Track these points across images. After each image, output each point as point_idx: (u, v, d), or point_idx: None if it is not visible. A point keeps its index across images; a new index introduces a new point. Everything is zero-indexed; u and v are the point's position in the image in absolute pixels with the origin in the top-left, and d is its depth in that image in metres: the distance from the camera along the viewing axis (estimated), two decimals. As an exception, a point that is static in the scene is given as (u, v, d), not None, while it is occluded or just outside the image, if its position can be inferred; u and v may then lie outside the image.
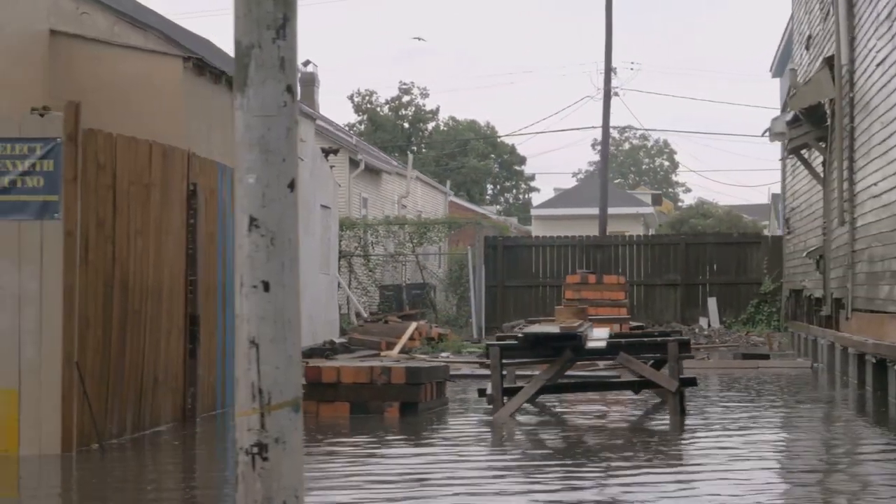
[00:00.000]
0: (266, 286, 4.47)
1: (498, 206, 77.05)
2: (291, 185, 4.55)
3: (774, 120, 24.42)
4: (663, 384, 13.71)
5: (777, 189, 72.47)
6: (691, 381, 14.26)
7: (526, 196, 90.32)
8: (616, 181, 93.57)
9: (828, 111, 19.92)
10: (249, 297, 4.65)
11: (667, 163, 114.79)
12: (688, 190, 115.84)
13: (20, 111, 12.57)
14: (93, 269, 11.22)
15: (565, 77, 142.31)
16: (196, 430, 12.86)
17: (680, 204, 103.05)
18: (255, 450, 4.51)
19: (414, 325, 26.41)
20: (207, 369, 13.87)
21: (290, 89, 4.52)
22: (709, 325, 30.81)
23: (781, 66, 38.04)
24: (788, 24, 32.85)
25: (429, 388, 14.33)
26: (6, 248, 10.81)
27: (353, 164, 34.65)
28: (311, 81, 40.60)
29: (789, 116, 21.73)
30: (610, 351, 14.05)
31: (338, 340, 25.04)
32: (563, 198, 65.86)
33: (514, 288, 31.66)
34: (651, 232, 58.18)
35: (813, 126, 20.53)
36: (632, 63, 65.79)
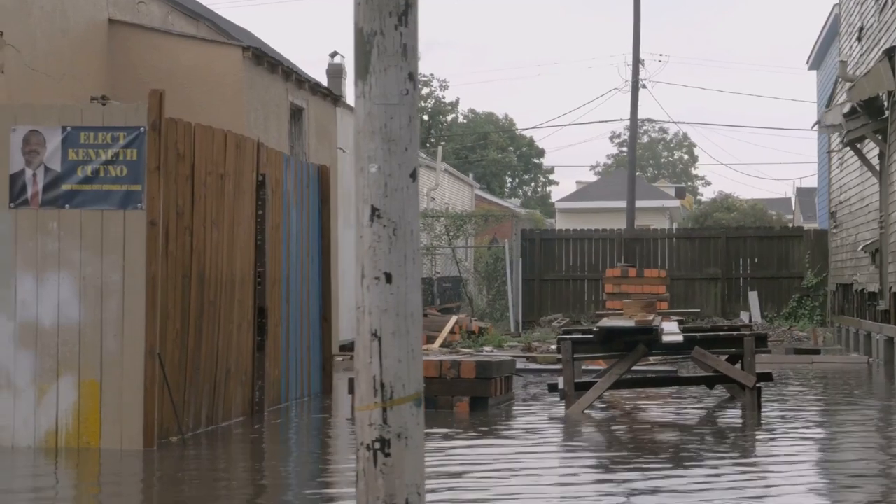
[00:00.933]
0: (388, 278, 4.30)
1: (518, 199, 76.78)
2: (413, 175, 4.37)
3: (825, 112, 24.14)
4: (740, 379, 13.49)
5: (805, 183, 72.32)
6: (767, 377, 14.04)
7: (545, 189, 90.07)
8: (636, 174, 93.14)
9: (886, 103, 19.67)
10: (371, 289, 4.48)
11: (686, 156, 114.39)
12: (707, 183, 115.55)
13: (83, 101, 12.43)
14: (172, 260, 11.04)
15: (591, 70, 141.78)
16: (267, 424, 12.68)
17: (699, 197, 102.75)
18: (377, 445, 4.34)
19: (454, 318, 26.18)
20: (273, 362, 13.68)
21: (411, 77, 4.35)
22: (750, 320, 30.54)
23: (819, 58, 37.75)
24: (830, 16, 32.57)
25: (498, 383, 14.12)
26: (89, 238, 10.64)
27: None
28: (339, 73, 40.33)
29: (846, 108, 21.46)
30: (686, 345, 13.81)
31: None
32: (586, 191, 65.57)
33: (551, 281, 31.41)
34: (675, 226, 57.92)
35: (870, 118, 20.28)
36: (660, 55, 65.37)
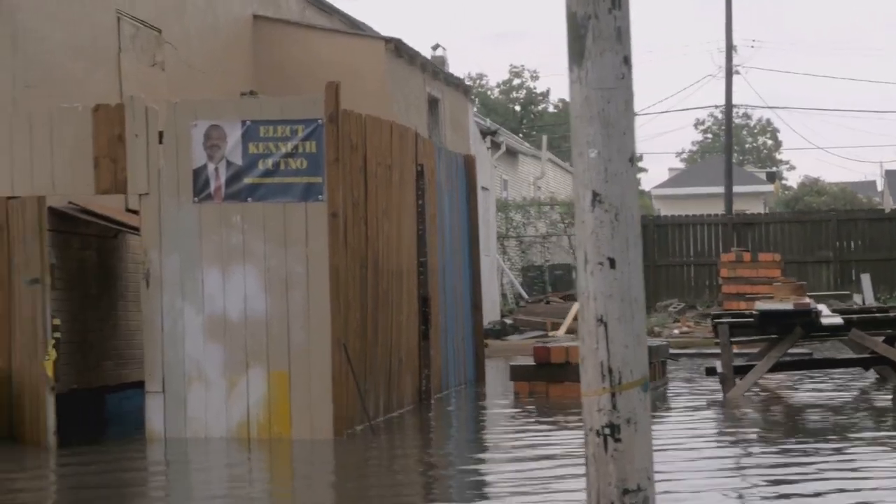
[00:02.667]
0: (612, 263, 4.30)
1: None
2: (632, 159, 4.37)
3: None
4: (902, 360, 13.40)
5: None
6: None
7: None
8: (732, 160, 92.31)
9: None
10: (595, 275, 4.48)
11: (770, 141, 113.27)
12: (792, 168, 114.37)
13: (234, 95, 12.58)
14: (350, 251, 11.13)
15: (685, 57, 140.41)
16: (439, 412, 12.78)
17: (784, 182, 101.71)
18: (607, 431, 4.35)
19: (577, 305, 26.14)
20: (436, 351, 13.78)
21: (626, 60, 4.34)
22: (863, 302, 30.22)
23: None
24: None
25: (655, 367, 14.12)
26: (272, 230, 10.76)
27: (495, 146, 34.52)
28: (441, 64, 40.31)
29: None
30: (843, 328, 13.74)
31: (505, 321, 24.96)
32: (680, 178, 65.24)
33: (664, 267, 31.29)
34: (766, 210, 57.42)
35: None
36: (752, 41, 64.77)
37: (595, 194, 4.32)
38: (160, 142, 10.86)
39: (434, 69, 18.33)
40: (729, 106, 43.57)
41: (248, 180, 10.79)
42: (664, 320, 27.05)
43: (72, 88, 11.96)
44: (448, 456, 10.40)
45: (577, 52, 4.34)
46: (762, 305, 13.74)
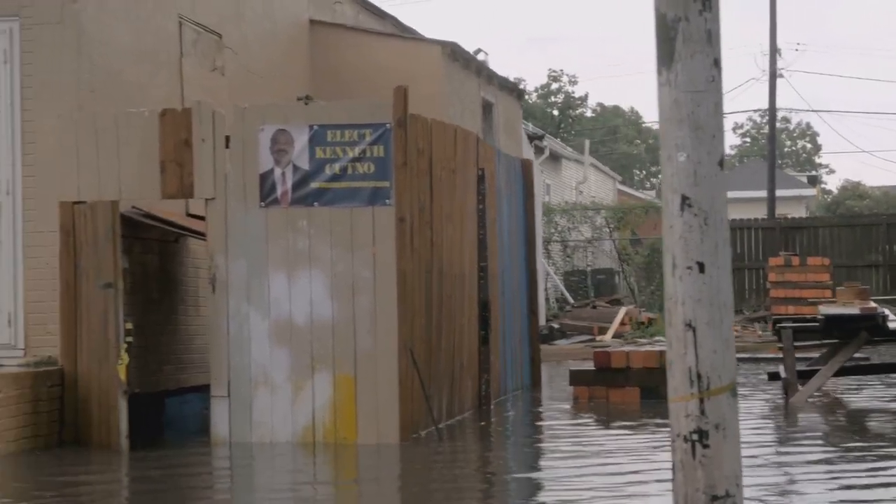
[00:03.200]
0: (701, 267, 4.23)
1: (653, 191, 76.31)
2: (721, 163, 4.31)
3: None
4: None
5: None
6: None
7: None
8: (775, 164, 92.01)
9: None
10: (684, 279, 4.42)
11: (809, 145, 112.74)
12: (831, 171, 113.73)
13: (290, 100, 12.56)
14: (416, 255, 11.08)
15: (727, 60, 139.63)
16: (500, 417, 12.73)
17: (824, 185, 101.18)
18: (695, 437, 4.28)
19: (624, 309, 26.13)
20: (495, 356, 13.72)
21: (716, 63, 4.28)
22: (916, 307, 30.01)
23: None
24: None
25: (717, 373, 13.99)
26: (339, 235, 10.72)
27: (539, 150, 34.46)
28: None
29: None
30: (910, 331, 13.61)
31: (552, 325, 24.89)
32: (722, 181, 64.85)
33: (713, 271, 31.12)
34: (807, 214, 57.12)
35: None
36: (797, 44, 64.65)
37: (684, 198, 4.28)
38: (227, 146, 10.85)
39: (488, 73, 18.29)
40: (772, 109, 43.38)
41: (314, 185, 10.76)
42: (711, 325, 26.90)
43: (134, 93, 11.96)
44: (515, 461, 10.35)
45: (667, 54, 4.30)
46: (827, 310, 13.61)
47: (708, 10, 4.30)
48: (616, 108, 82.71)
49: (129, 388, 10.41)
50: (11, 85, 11.32)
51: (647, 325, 25.90)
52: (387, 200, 10.70)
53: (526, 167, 15.74)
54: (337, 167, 10.74)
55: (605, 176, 44.81)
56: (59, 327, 10.93)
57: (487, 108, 18.39)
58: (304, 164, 10.76)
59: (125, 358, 10.18)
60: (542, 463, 10.26)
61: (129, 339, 10.35)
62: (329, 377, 10.65)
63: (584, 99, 74.30)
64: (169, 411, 12.52)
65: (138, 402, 11.49)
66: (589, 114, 78.55)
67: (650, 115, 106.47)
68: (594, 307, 27.23)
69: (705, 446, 4.26)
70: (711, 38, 4.29)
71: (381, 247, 10.65)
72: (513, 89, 19.56)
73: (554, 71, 71.57)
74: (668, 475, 8.59)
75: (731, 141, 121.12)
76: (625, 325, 25.43)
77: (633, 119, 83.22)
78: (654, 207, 36.28)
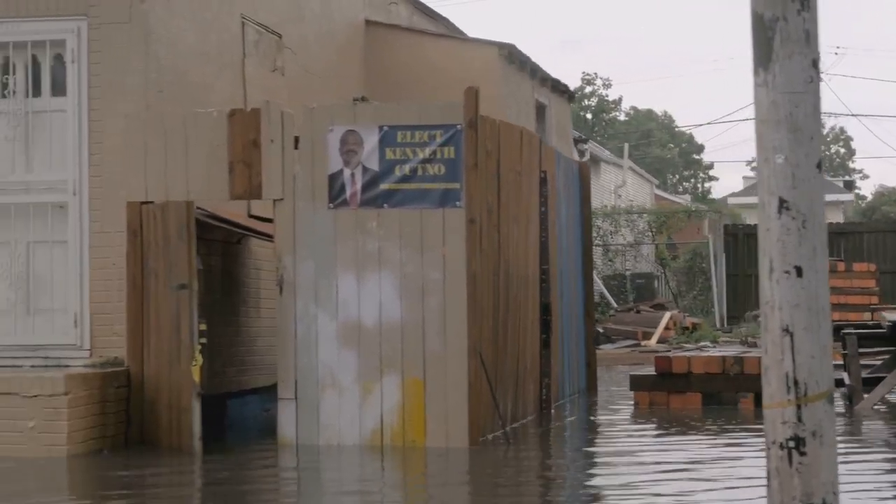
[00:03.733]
0: (798, 271, 4.13)
1: (688, 196, 76.14)
2: (819, 166, 4.21)
3: None
4: None
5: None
6: None
7: (703, 185, 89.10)
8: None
9: None
10: (781, 283, 4.31)
11: (843, 150, 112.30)
12: (865, 176, 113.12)
13: (346, 101, 12.50)
14: (485, 257, 11.00)
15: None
16: (563, 421, 12.64)
17: (858, 191, 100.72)
18: (791, 444, 4.17)
19: (668, 314, 25.99)
20: (555, 359, 13.63)
21: (815, 64, 4.17)
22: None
23: None
24: None
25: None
26: (408, 237, 10.65)
27: (580, 153, 34.39)
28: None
29: None
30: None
31: (598, 330, 24.76)
32: (756, 187, 64.67)
33: (755, 277, 30.91)
34: (844, 220, 56.79)
35: None
36: (836, 47, 64.32)
37: (782, 201, 4.21)
38: (296, 147, 10.79)
39: (542, 75, 18.19)
40: (811, 114, 43.24)
41: (384, 186, 10.69)
42: (754, 330, 26.72)
43: (199, 93, 11.92)
44: (588, 468, 10.22)
45: (764, 54, 4.22)
46: (893, 316, 13.47)
47: (806, 10, 4.21)
48: (649, 112, 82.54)
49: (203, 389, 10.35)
50: (78, 84, 11.28)
51: (691, 330, 25.77)
52: (457, 202, 10.62)
53: (583, 170, 15.65)
54: (407, 168, 10.66)
55: (642, 180, 44.70)
56: (125, 328, 10.88)
57: (541, 110, 18.31)
58: (374, 166, 10.69)
59: (199, 359, 10.12)
60: (621, 471, 10.10)
61: (203, 340, 10.29)
62: (398, 380, 10.57)
63: (617, 102, 74.20)
64: (230, 413, 12.47)
65: (202, 404, 11.44)
66: (622, 117, 78.44)
67: (683, 119, 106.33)
68: (638, 311, 27.08)
69: (802, 454, 4.18)
70: (810, 38, 4.20)
71: (451, 248, 10.57)
72: (564, 91, 19.48)
73: (588, 74, 71.57)
74: (741, 482, 8.57)
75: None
76: (669, 330, 25.31)
77: (666, 123, 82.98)
78: (696, 212, 36.18)
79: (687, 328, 25.83)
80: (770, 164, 4.28)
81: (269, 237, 11.92)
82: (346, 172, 10.73)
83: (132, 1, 11.19)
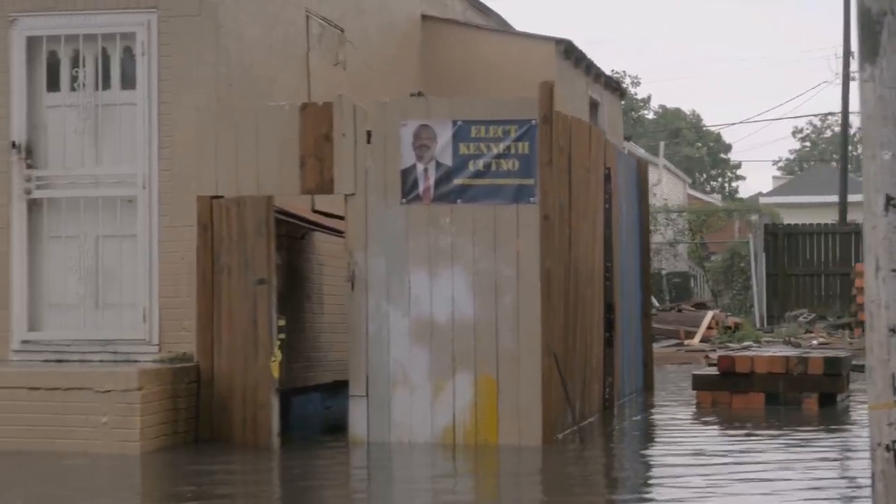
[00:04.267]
0: None
1: (717, 195, 75.93)
2: None
3: None
4: None
5: None
6: None
7: (732, 185, 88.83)
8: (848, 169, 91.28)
9: None
10: (888, 282, 4.21)
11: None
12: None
13: (403, 96, 12.42)
14: (556, 254, 10.89)
15: (797, 63, 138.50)
16: (629, 420, 12.57)
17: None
18: None
19: (710, 313, 25.85)
20: (618, 358, 13.52)
21: None
22: None
23: None
24: None
25: (843, 379, 13.76)
26: (482, 233, 10.55)
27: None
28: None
29: None
30: None
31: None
32: (788, 186, 64.42)
33: (794, 276, 30.79)
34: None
35: None
36: (863, 46, 63.95)
37: (889, 198, 4.13)
38: (368, 141, 10.69)
39: (596, 72, 18.07)
40: (845, 113, 42.95)
41: (457, 181, 10.59)
42: (795, 330, 26.59)
43: (265, 87, 11.84)
44: (667, 466, 10.09)
45: (871, 49, 4.13)
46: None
47: (916, 4, 4.11)
48: (678, 111, 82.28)
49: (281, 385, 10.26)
50: (148, 77, 11.21)
51: (733, 329, 25.63)
52: (531, 198, 10.51)
53: (641, 167, 15.53)
54: (481, 163, 10.56)
55: (676, 178, 44.56)
56: (194, 323, 10.81)
57: (594, 106, 18.20)
58: (447, 161, 10.59)
59: (278, 355, 10.04)
60: (695, 471, 9.96)
61: (282, 335, 10.21)
62: (470, 377, 10.47)
63: (646, 101, 73.99)
64: (294, 410, 12.37)
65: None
66: (651, 116, 78.20)
67: (711, 118, 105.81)
68: (679, 310, 26.96)
69: (909, 456, 4.08)
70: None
71: (524, 245, 10.46)
72: (616, 88, 19.36)
73: (616, 72, 71.21)
74: (815, 483, 8.45)
75: (789, 145, 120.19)
76: (711, 329, 25.17)
77: (695, 122, 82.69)
78: (737, 212, 35.99)
79: (729, 328, 25.69)
80: (877, 161, 4.20)
81: (336, 232, 11.83)
82: (419, 167, 10.63)
83: (202, -6, 11.12)
